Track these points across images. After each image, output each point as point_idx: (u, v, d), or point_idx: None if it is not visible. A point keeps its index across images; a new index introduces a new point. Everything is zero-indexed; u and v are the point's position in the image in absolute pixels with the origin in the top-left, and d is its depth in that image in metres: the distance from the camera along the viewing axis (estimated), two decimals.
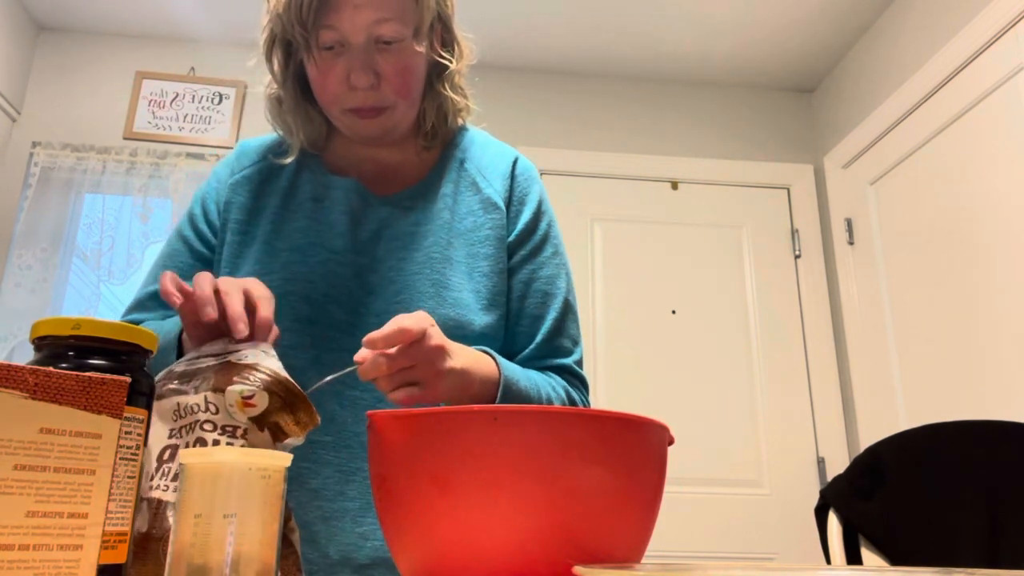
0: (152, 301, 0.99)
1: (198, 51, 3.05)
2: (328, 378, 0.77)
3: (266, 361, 0.68)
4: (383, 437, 0.58)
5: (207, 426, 0.63)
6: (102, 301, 2.78)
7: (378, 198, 1.00)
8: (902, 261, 2.57)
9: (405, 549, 0.57)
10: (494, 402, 0.85)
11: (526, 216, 1.04)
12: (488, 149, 1.09)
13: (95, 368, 0.48)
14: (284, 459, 0.51)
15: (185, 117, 2.96)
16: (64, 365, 0.47)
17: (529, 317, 1.00)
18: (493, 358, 0.88)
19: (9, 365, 0.39)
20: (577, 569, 0.45)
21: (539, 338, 0.99)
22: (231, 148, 2.92)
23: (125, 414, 0.48)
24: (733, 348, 2.88)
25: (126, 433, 0.48)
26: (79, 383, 0.41)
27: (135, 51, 3.03)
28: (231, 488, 0.48)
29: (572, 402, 0.98)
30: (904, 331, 2.53)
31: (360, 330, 0.91)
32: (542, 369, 0.98)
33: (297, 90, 1.02)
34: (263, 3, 0.97)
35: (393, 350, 0.73)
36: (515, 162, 1.08)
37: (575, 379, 1.01)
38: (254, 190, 1.02)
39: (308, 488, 0.88)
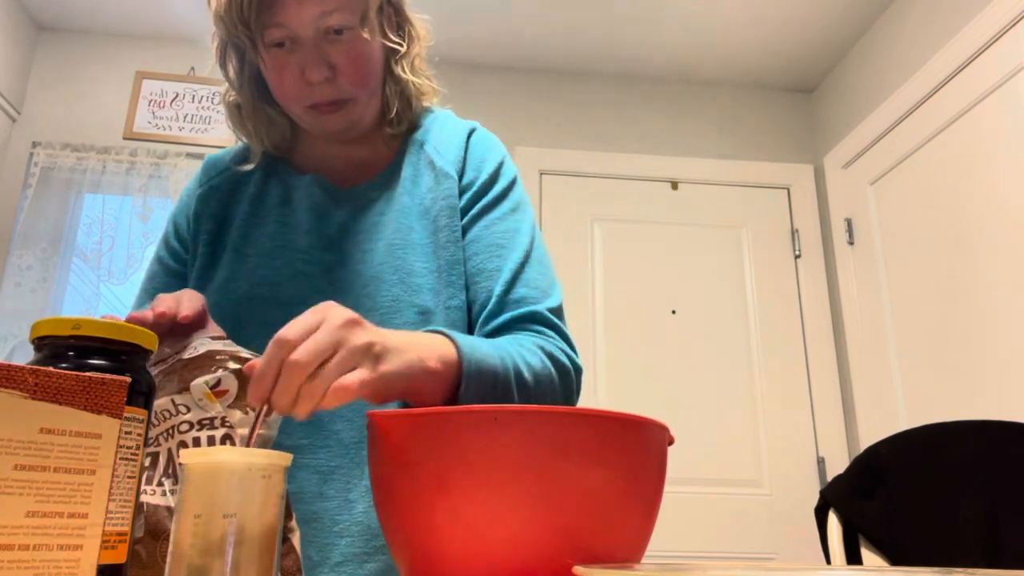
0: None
1: (198, 51, 3.05)
2: (255, 431, 0.58)
3: (216, 345, 0.67)
4: (383, 437, 0.58)
5: (184, 427, 0.63)
6: (102, 301, 2.78)
7: (342, 191, 0.99)
8: (902, 261, 2.57)
9: (405, 549, 0.56)
10: (458, 387, 0.76)
11: (482, 177, 0.99)
12: (447, 125, 1.05)
13: (95, 368, 0.48)
14: (284, 459, 0.51)
15: (185, 117, 2.97)
16: (64, 365, 0.47)
17: (483, 273, 0.93)
18: (444, 335, 0.77)
19: (9, 365, 0.39)
20: (577, 569, 0.45)
21: (497, 290, 0.91)
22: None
23: (125, 414, 0.48)
24: (733, 348, 2.88)
25: (126, 433, 0.48)
26: (79, 383, 0.41)
27: (135, 51, 3.03)
28: (231, 488, 0.48)
29: (548, 355, 0.86)
30: (904, 331, 2.53)
31: None
32: (508, 325, 0.90)
33: (255, 93, 1.00)
34: (206, 8, 0.95)
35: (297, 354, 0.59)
36: (471, 132, 1.04)
37: (547, 327, 0.90)
38: (223, 199, 1.02)
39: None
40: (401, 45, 0.99)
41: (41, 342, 0.49)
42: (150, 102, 2.97)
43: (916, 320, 2.48)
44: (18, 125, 2.88)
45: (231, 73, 0.99)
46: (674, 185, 3.08)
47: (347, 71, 0.92)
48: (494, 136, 1.07)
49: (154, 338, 0.52)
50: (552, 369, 0.87)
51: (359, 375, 0.61)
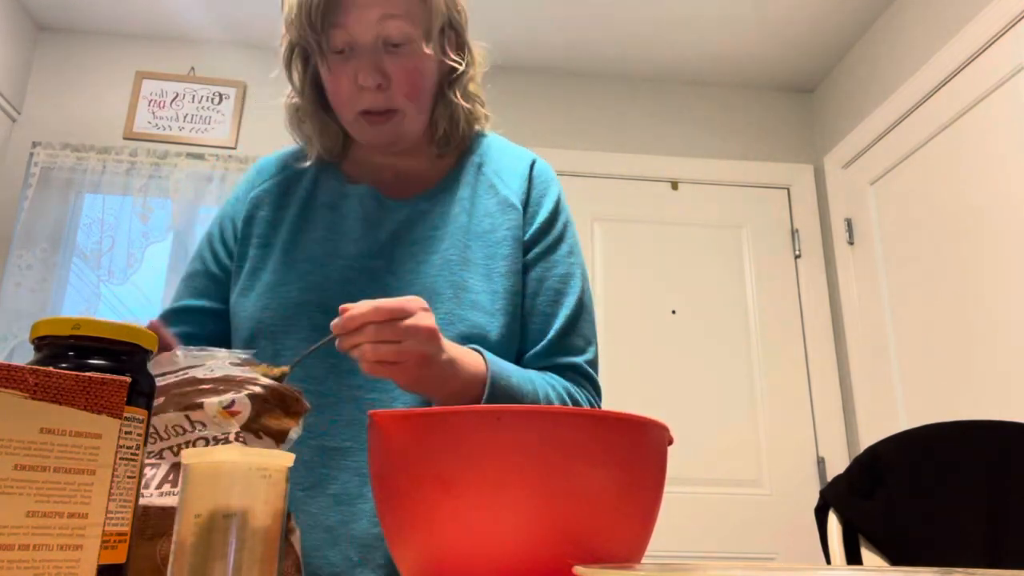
0: (177, 315, 1.02)
1: (198, 51, 3.05)
2: (310, 348, 0.78)
3: (234, 371, 0.67)
4: (385, 437, 0.58)
5: (200, 443, 0.63)
6: (102, 301, 2.78)
7: (394, 202, 1.01)
8: (902, 261, 2.57)
9: (407, 549, 0.57)
10: (479, 401, 0.85)
11: (543, 215, 1.03)
12: (506, 153, 1.09)
13: (95, 368, 0.48)
14: (286, 459, 0.51)
15: (185, 117, 2.97)
16: (64, 365, 0.47)
17: (541, 315, 0.99)
18: (482, 355, 0.87)
19: (9, 365, 0.39)
20: (577, 569, 0.45)
21: (551, 335, 0.97)
22: (231, 148, 2.93)
23: (125, 414, 0.48)
24: (733, 348, 2.88)
25: (126, 433, 0.48)
26: (79, 383, 0.41)
27: (135, 51, 3.03)
28: (232, 488, 0.48)
29: (574, 402, 0.96)
30: (904, 331, 2.53)
31: None
32: (552, 368, 0.97)
33: (314, 98, 1.03)
34: (280, 13, 1.00)
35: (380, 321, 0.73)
36: (533, 164, 1.08)
37: (584, 379, 0.99)
38: (275, 202, 1.04)
39: (328, 493, 0.89)
40: (459, 64, 1.03)
41: (41, 342, 0.49)
42: (150, 102, 2.97)
43: (916, 320, 2.48)
44: (18, 125, 2.88)
45: (295, 77, 1.02)
46: (674, 185, 3.08)
47: (400, 82, 0.94)
48: (550, 168, 1.11)
49: (154, 338, 0.52)
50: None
51: (392, 370, 0.75)
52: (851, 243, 2.86)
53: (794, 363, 2.89)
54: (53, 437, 0.40)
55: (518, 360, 0.98)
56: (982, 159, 2.23)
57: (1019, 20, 2.12)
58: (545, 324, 0.98)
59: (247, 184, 1.09)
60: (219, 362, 0.68)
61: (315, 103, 1.03)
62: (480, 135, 1.11)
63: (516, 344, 0.98)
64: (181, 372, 0.67)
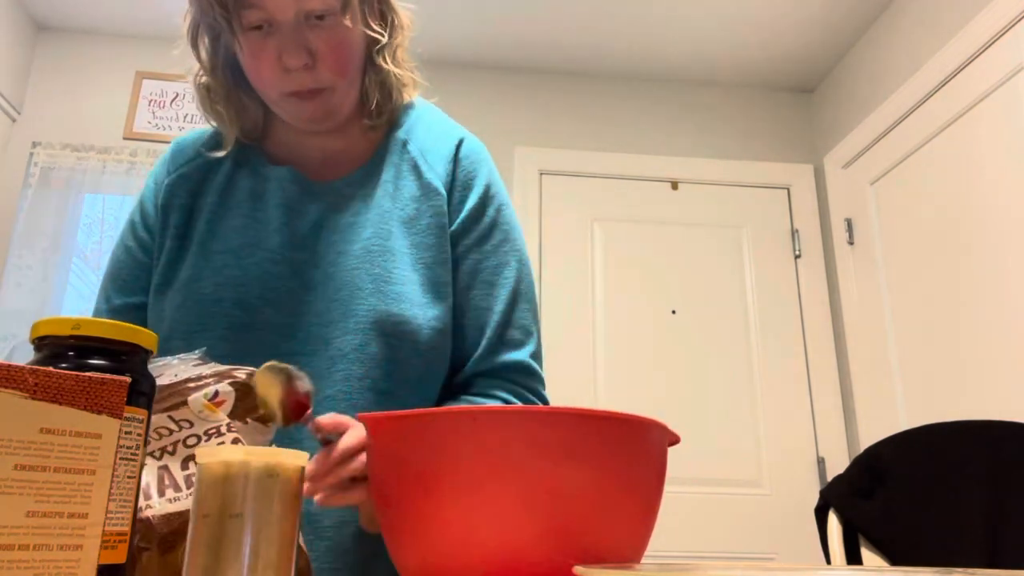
0: (116, 317, 0.94)
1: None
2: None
3: (203, 369, 0.66)
4: (373, 439, 0.58)
5: (191, 440, 0.63)
6: None
7: (317, 185, 0.94)
8: (902, 261, 2.57)
9: (399, 549, 0.57)
10: None
11: (471, 202, 0.96)
12: (433, 130, 1.01)
13: (95, 368, 0.48)
14: (300, 457, 0.51)
15: (185, 117, 2.97)
16: (64, 365, 0.47)
17: (476, 310, 0.93)
18: None
19: (9, 365, 0.39)
20: (577, 569, 0.45)
21: (488, 333, 0.92)
22: None
23: (125, 414, 0.48)
24: (733, 348, 2.88)
25: (126, 433, 0.48)
26: (79, 383, 0.41)
27: (135, 51, 3.03)
28: (246, 488, 0.48)
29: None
30: (904, 331, 2.53)
31: (300, 332, 0.87)
32: (493, 370, 0.92)
33: (228, 77, 0.95)
34: None
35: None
36: (459, 143, 1.00)
37: (527, 376, 0.94)
38: (192, 189, 0.96)
39: None
40: (383, 35, 0.95)
41: (41, 342, 0.49)
42: (150, 102, 2.97)
43: (916, 320, 2.47)
44: (18, 125, 2.88)
45: (203, 55, 0.94)
46: (674, 185, 3.08)
47: (327, 58, 0.88)
48: (483, 146, 1.03)
49: (154, 338, 0.52)
50: None
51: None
52: (851, 243, 2.86)
53: (794, 363, 2.89)
54: (53, 437, 0.40)
55: (460, 364, 0.94)
56: (982, 159, 2.23)
57: (1019, 20, 2.12)
58: (480, 320, 0.93)
59: (164, 167, 1.00)
60: (181, 366, 0.66)
61: (229, 82, 0.95)
62: (409, 107, 1.03)
63: (450, 339, 0.92)
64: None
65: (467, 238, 0.95)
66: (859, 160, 2.84)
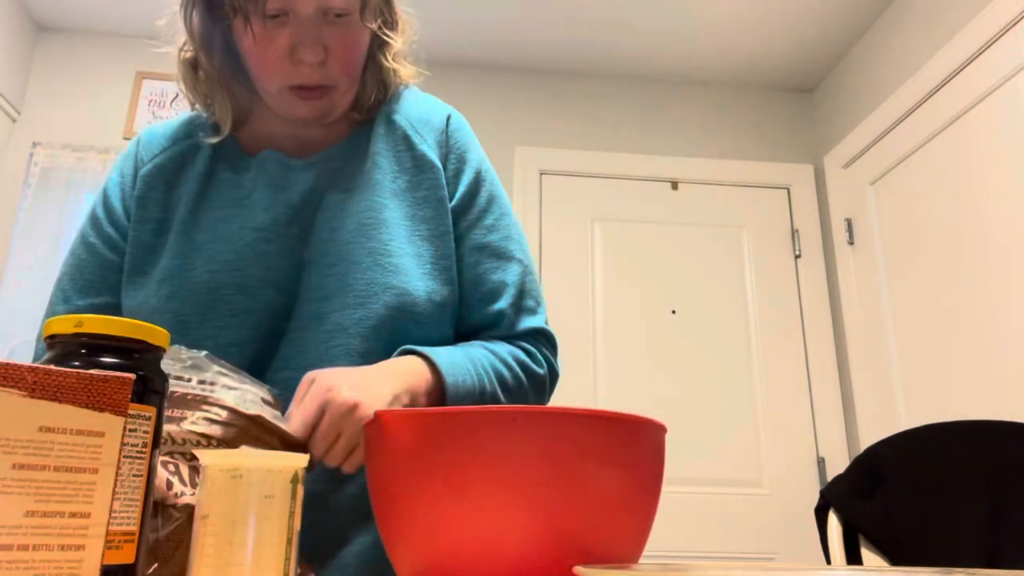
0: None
1: None
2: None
3: (265, 411, 0.66)
4: (390, 437, 0.57)
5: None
6: None
7: (300, 161, 0.92)
8: (902, 261, 2.57)
9: (408, 550, 0.56)
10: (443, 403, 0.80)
11: (468, 176, 0.96)
12: (419, 102, 1.00)
13: (106, 366, 0.48)
14: (300, 460, 0.51)
15: None
16: (76, 364, 0.47)
17: (489, 283, 0.92)
18: (426, 359, 0.81)
19: (7, 363, 0.39)
20: (577, 569, 0.45)
21: (505, 305, 0.92)
22: None
23: (131, 411, 0.48)
24: (733, 348, 2.88)
25: (131, 431, 0.48)
26: (80, 381, 0.41)
27: (135, 51, 3.03)
28: (250, 490, 0.48)
29: (528, 372, 0.90)
30: (904, 331, 2.53)
31: (298, 311, 0.86)
32: (512, 337, 0.92)
33: (222, 60, 0.92)
34: None
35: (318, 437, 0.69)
36: (449, 117, 1.00)
37: (543, 339, 0.95)
38: (168, 180, 0.93)
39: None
40: (392, 38, 0.95)
41: (52, 341, 0.49)
42: (150, 102, 2.97)
43: (916, 320, 2.47)
44: (18, 125, 2.88)
45: (195, 27, 0.90)
46: (674, 185, 3.08)
47: (339, 57, 0.87)
48: (467, 123, 1.03)
49: (165, 335, 0.52)
50: (528, 388, 0.91)
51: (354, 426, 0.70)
52: (851, 243, 2.86)
53: (794, 363, 2.89)
54: (53, 435, 0.40)
55: (470, 336, 0.93)
56: (982, 159, 2.23)
57: (1019, 20, 2.12)
58: (496, 294, 0.92)
59: (131, 160, 0.97)
60: (250, 395, 0.66)
61: (223, 65, 0.92)
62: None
63: (450, 311, 0.91)
64: (208, 385, 0.65)
65: (469, 214, 0.95)
66: (859, 160, 2.84)
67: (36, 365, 0.40)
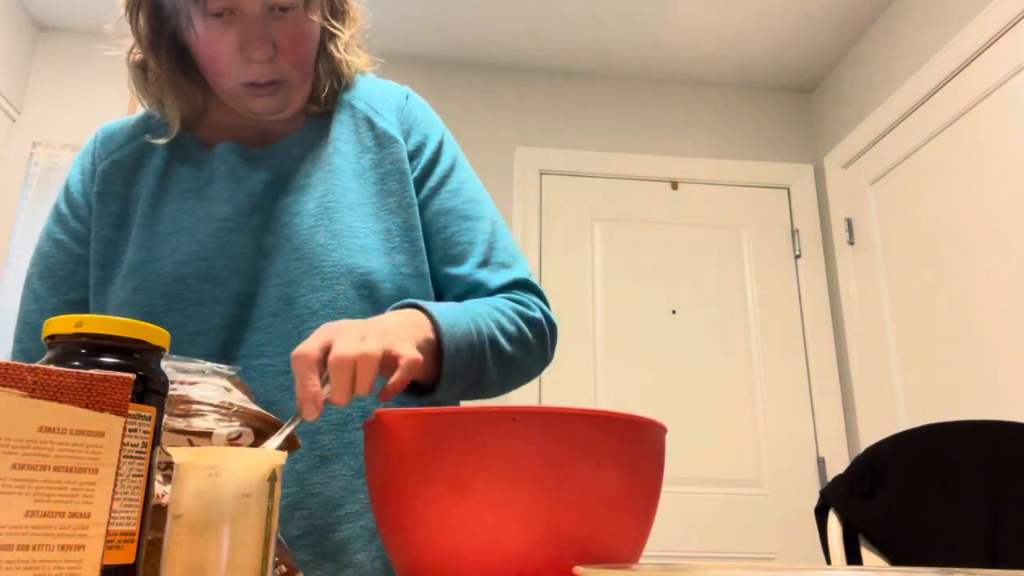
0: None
1: None
2: (287, 430, 0.65)
3: (231, 397, 0.65)
4: (391, 437, 0.57)
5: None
6: None
7: (260, 151, 0.93)
8: (902, 261, 2.57)
9: (408, 550, 0.56)
10: (440, 352, 0.78)
11: (431, 145, 0.97)
12: (376, 85, 1.02)
13: (106, 366, 0.48)
14: (278, 457, 0.50)
15: None
16: (76, 364, 0.47)
17: (459, 245, 0.93)
18: (422, 310, 0.79)
19: (6, 363, 0.39)
20: (577, 569, 0.45)
21: (477, 262, 0.92)
22: None
23: (131, 411, 0.48)
24: (733, 348, 2.88)
25: (131, 431, 0.48)
26: (80, 381, 0.41)
27: None
28: (226, 488, 0.48)
29: (529, 321, 0.89)
30: (904, 331, 2.53)
31: (266, 297, 0.86)
32: (493, 293, 0.91)
33: (171, 60, 0.93)
34: None
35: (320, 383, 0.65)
36: (407, 95, 1.02)
37: (529, 291, 0.93)
38: (127, 175, 0.94)
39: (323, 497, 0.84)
40: (341, 31, 0.96)
41: (52, 341, 0.49)
42: None
43: (916, 320, 2.47)
44: (18, 125, 2.88)
45: (141, 29, 0.91)
46: (674, 185, 3.08)
47: (288, 51, 0.88)
48: (426, 102, 1.05)
49: (165, 335, 0.52)
50: (529, 334, 0.89)
51: (396, 379, 0.67)
52: (851, 243, 2.86)
53: (794, 363, 2.89)
54: (52, 435, 0.40)
55: (437, 297, 0.93)
56: (982, 159, 2.23)
57: (1019, 20, 2.12)
58: (465, 253, 0.92)
59: (90, 156, 0.97)
60: (210, 381, 0.65)
61: (171, 64, 0.92)
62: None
63: (425, 281, 0.92)
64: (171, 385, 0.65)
65: (430, 180, 0.96)
66: (859, 160, 2.84)
67: (36, 365, 0.40)
